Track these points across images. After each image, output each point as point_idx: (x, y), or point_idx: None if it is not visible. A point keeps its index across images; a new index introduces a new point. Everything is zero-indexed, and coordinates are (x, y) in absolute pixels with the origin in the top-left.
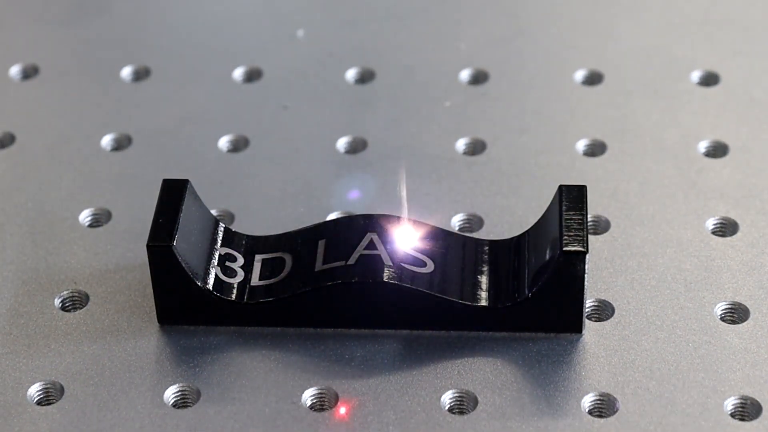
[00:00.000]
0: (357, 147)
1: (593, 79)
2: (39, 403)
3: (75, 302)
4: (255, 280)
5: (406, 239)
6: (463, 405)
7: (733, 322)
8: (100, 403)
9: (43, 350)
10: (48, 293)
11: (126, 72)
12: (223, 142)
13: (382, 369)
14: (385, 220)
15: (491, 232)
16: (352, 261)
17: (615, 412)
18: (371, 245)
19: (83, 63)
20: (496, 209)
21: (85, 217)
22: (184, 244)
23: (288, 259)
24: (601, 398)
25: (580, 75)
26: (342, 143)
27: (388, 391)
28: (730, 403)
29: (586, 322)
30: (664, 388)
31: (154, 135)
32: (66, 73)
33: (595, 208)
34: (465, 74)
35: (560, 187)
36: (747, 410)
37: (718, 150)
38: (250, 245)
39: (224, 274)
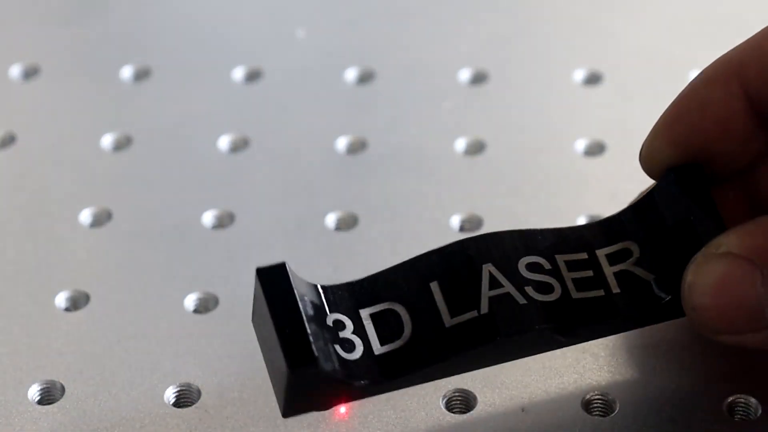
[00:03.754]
0: (357, 147)
1: (593, 79)
2: (40, 402)
3: (75, 302)
4: (377, 346)
5: (521, 261)
6: (463, 405)
7: None
8: (101, 403)
9: (43, 350)
10: (48, 293)
11: (126, 72)
12: (223, 142)
13: None
14: (489, 243)
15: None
16: (484, 309)
17: (615, 412)
18: (494, 282)
19: (83, 63)
20: (496, 209)
21: (85, 217)
22: (320, 343)
23: (401, 311)
24: (601, 398)
25: (580, 75)
26: (342, 143)
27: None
28: (729, 402)
29: None
30: (663, 387)
31: (154, 135)
32: (66, 73)
33: (595, 208)
34: (465, 74)
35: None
36: (746, 409)
37: None
38: (346, 298)
39: (344, 350)
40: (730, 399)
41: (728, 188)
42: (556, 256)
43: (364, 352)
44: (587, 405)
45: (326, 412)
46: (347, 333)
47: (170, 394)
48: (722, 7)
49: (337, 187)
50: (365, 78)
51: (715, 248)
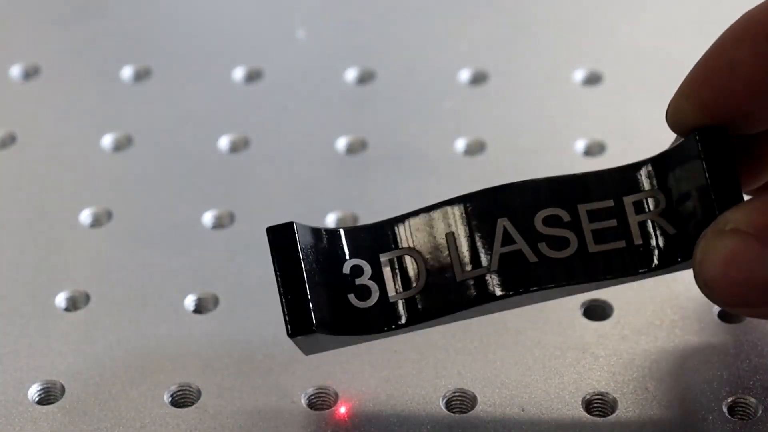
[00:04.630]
0: (357, 147)
1: (593, 79)
2: (40, 402)
3: (75, 302)
4: (392, 292)
5: (539, 213)
6: (463, 405)
7: (731, 322)
8: (101, 403)
9: (43, 350)
10: (48, 293)
11: (126, 72)
12: (223, 142)
13: (382, 369)
14: (507, 194)
15: None
16: (494, 266)
17: (615, 412)
18: (507, 238)
19: (84, 63)
20: None
21: (85, 217)
22: (324, 308)
23: (418, 259)
24: (601, 398)
25: (580, 75)
26: (342, 143)
27: (388, 391)
28: (729, 403)
29: (586, 322)
30: (663, 387)
31: (154, 135)
32: (66, 73)
33: None
34: (465, 74)
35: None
36: (746, 409)
37: None
38: (368, 240)
39: (359, 298)
40: (730, 399)
41: (757, 148)
42: (579, 206)
43: (379, 298)
44: (587, 405)
45: (326, 412)
46: (364, 279)
47: (170, 394)
48: (722, 7)
49: (337, 187)
50: (365, 78)
51: (723, 225)
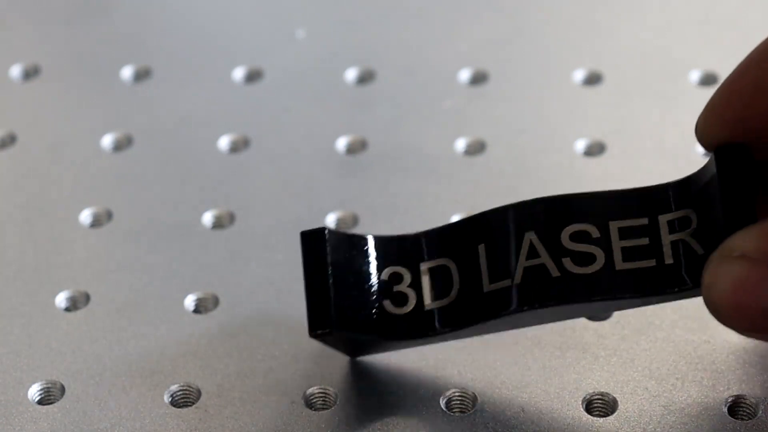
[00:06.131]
0: (357, 147)
1: (593, 79)
2: (40, 402)
3: (75, 302)
4: (428, 301)
5: (567, 229)
6: (463, 405)
7: None
8: (101, 403)
9: (43, 350)
10: (48, 293)
11: (126, 72)
12: (223, 142)
13: (382, 369)
14: (538, 209)
15: None
16: (517, 279)
17: (615, 412)
18: (533, 252)
19: (84, 63)
20: None
21: (85, 217)
22: (348, 311)
23: (453, 269)
24: (601, 398)
25: (580, 75)
26: (342, 143)
27: (388, 391)
28: (729, 402)
29: (586, 322)
30: (663, 387)
31: (154, 135)
32: (67, 73)
33: None
34: (465, 74)
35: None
36: (747, 409)
37: None
38: (409, 248)
39: (395, 304)
40: (731, 399)
41: None
42: (610, 223)
43: (415, 305)
44: (587, 405)
45: (326, 412)
46: (403, 286)
47: (170, 394)
48: (722, 7)
49: (337, 187)
50: (365, 78)
51: (730, 250)
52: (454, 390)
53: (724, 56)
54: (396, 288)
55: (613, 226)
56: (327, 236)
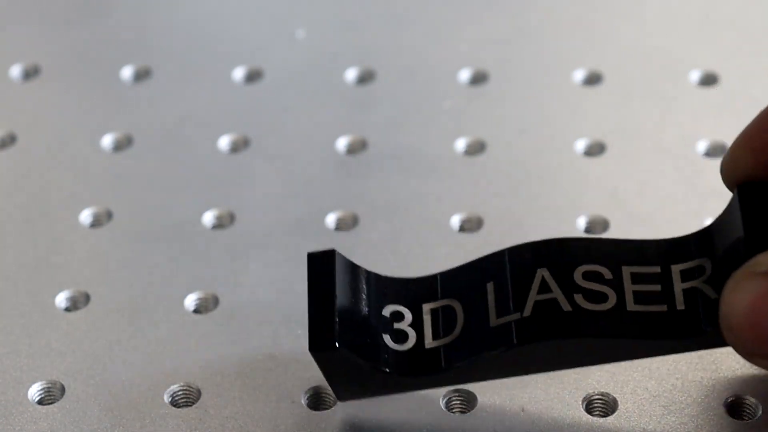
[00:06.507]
0: (357, 147)
1: (593, 79)
2: (40, 402)
3: (75, 302)
4: (429, 340)
5: (579, 268)
6: (463, 405)
7: None
8: (101, 403)
9: (43, 350)
10: (48, 293)
11: (126, 72)
12: (223, 142)
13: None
14: (552, 248)
15: (491, 232)
16: (527, 312)
17: (615, 412)
18: (544, 287)
19: (84, 63)
20: (496, 209)
21: (85, 217)
22: (350, 333)
23: (458, 308)
24: (601, 398)
25: (579, 75)
26: (342, 143)
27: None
28: (729, 403)
29: None
30: (663, 387)
31: (154, 135)
32: (66, 73)
33: (594, 208)
34: (465, 74)
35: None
36: (746, 409)
37: (717, 150)
38: (413, 291)
39: (395, 341)
40: (730, 399)
41: None
42: (623, 267)
43: (415, 344)
44: (587, 405)
45: (326, 412)
46: (403, 325)
47: (170, 394)
48: (722, 7)
49: (337, 187)
50: (365, 78)
51: (753, 267)
52: (454, 390)
53: (724, 56)
54: (396, 325)
55: (626, 270)
56: (336, 258)
